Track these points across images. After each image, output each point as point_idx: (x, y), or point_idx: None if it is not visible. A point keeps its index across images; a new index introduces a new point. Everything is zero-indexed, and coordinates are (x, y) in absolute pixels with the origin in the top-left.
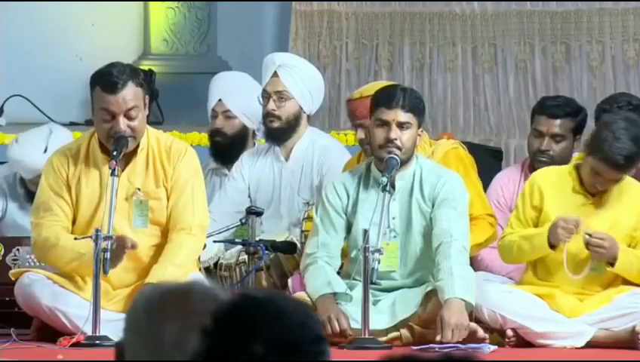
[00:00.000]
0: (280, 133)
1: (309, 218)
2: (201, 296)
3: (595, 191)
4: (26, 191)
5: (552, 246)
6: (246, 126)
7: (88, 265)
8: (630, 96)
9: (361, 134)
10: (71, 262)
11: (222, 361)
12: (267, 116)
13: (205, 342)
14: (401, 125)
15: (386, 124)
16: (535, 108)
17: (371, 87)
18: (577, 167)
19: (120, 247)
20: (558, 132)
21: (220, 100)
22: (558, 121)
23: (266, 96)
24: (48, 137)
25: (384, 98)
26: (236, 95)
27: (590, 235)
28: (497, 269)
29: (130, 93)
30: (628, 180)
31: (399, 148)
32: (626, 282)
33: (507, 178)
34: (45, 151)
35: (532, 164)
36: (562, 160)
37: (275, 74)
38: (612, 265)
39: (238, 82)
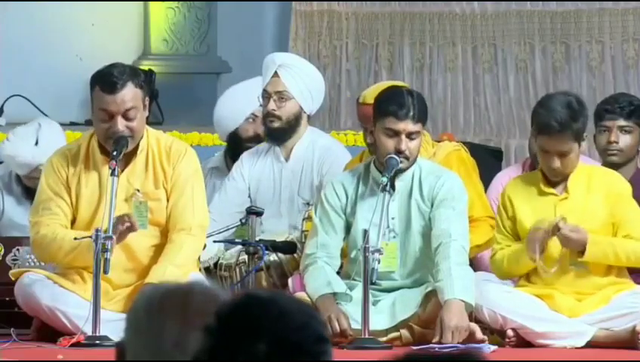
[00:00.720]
0: (280, 133)
1: (309, 218)
2: (201, 296)
3: (556, 178)
4: (23, 187)
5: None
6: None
7: (86, 254)
8: (631, 97)
9: (372, 138)
10: (69, 253)
11: (224, 360)
12: (267, 116)
13: (208, 340)
14: (410, 135)
15: (396, 134)
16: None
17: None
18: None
19: (122, 228)
20: None
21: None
22: None
23: (266, 96)
24: (38, 130)
25: (394, 108)
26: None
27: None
28: None
29: (129, 94)
30: (594, 168)
31: (407, 158)
32: (621, 275)
33: (508, 177)
34: (36, 144)
35: (532, 164)
36: None
37: (276, 74)
38: (582, 254)
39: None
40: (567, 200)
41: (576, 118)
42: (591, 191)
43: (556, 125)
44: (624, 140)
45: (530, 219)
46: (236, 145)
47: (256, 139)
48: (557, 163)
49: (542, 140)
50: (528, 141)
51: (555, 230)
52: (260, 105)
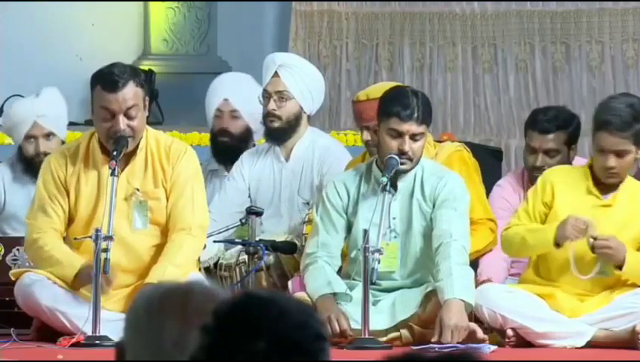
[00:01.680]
0: (280, 133)
1: (310, 221)
2: (201, 296)
3: (609, 181)
4: (25, 164)
5: (557, 245)
6: (249, 127)
7: (64, 274)
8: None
9: (367, 136)
10: (50, 267)
11: (222, 359)
12: (268, 116)
13: (205, 339)
14: (414, 136)
15: (399, 135)
16: (527, 122)
17: (378, 89)
18: (591, 167)
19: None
20: (552, 147)
21: (226, 100)
22: (550, 136)
23: (266, 96)
24: (39, 92)
25: (398, 109)
26: (242, 95)
27: (595, 238)
28: (498, 279)
29: (130, 93)
30: (637, 182)
31: (411, 159)
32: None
33: (509, 185)
34: (37, 96)
35: (530, 176)
36: None
37: (276, 74)
38: (620, 268)
39: (243, 83)
40: (611, 208)
41: (638, 119)
42: (632, 205)
43: (615, 120)
44: None
45: (567, 213)
46: (213, 140)
47: (227, 135)
48: (612, 161)
49: (600, 137)
50: (523, 156)
51: (589, 244)
52: (221, 102)
